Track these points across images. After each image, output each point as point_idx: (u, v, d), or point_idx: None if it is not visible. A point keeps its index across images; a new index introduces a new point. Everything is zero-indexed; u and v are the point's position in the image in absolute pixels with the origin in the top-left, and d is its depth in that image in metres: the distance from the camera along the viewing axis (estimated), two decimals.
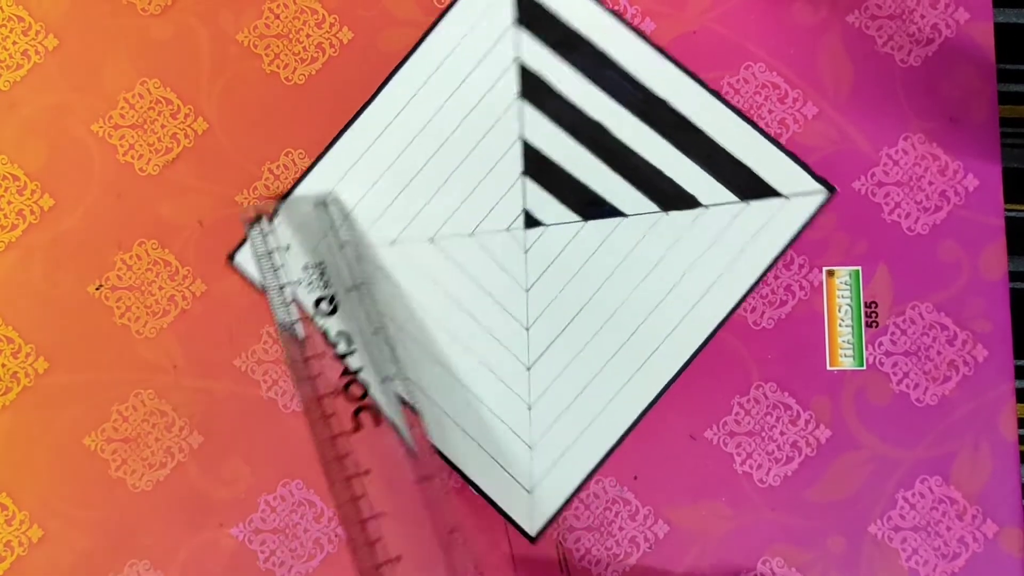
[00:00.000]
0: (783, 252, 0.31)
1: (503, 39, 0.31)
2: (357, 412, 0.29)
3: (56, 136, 0.31)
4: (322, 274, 0.30)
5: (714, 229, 0.31)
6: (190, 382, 0.30)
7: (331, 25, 0.32)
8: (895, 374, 0.30)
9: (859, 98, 0.31)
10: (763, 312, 0.30)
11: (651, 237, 0.31)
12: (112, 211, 0.31)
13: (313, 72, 0.32)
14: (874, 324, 0.30)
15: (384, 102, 0.31)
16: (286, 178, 0.31)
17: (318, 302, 0.30)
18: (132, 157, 0.31)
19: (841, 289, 0.31)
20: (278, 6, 0.32)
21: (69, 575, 0.29)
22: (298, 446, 0.30)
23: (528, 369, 0.30)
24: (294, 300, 0.29)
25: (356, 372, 0.29)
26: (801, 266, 0.31)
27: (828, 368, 0.30)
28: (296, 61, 0.32)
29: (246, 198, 0.31)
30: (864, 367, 0.30)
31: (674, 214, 0.31)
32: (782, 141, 0.31)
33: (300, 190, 0.31)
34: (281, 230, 0.30)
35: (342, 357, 0.29)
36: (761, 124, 0.31)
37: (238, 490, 0.30)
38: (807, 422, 0.30)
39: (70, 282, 0.31)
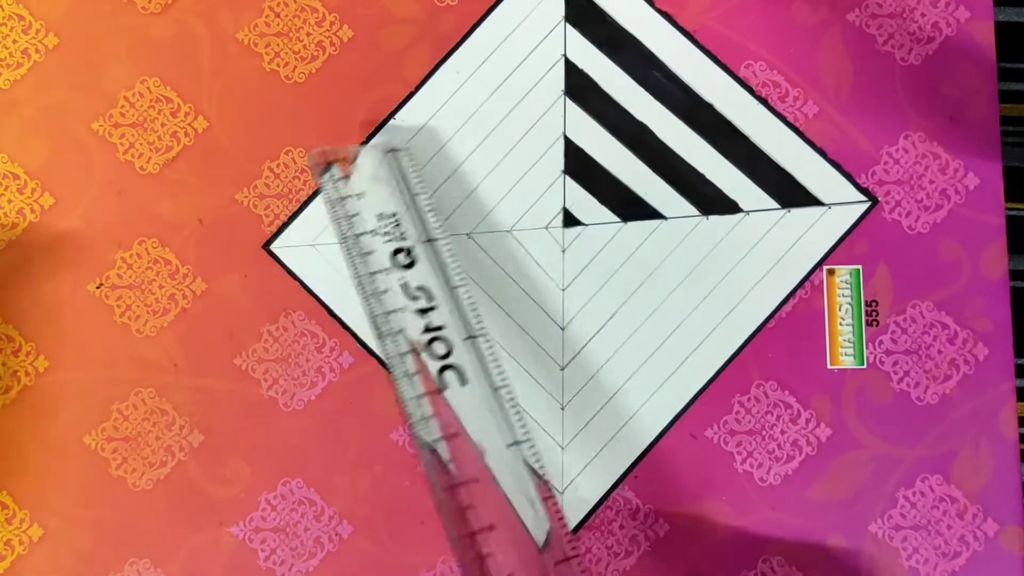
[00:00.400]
0: (822, 260, 0.31)
1: (552, 35, 0.31)
2: (442, 371, 0.28)
3: (56, 135, 0.31)
4: (398, 224, 0.29)
5: (754, 235, 0.31)
6: (190, 381, 0.30)
7: (331, 23, 0.32)
8: (896, 373, 0.30)
9: (859, 97, 0.31)
10: None
11: (690, 241, 0.31)
12: (112, 210, 0.31)
13: (313, 70, 0.31)
14: (875, 323, 0.30)
15: (427, 95, 0.31)
16: (286, 176, 0.31)
17: (395, 253, 0.28)
18: (132, 156, 0.31)
19: (841, 288, 0.30)
20: (278, 5, 0.32)
21: (69, 574, 0.29)
22: (298, 445, 0.30)
23: (562, 369, 0.30)
24: (370, 251, 0.28)
25: (439, 329, 0.28)
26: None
27: (828, 367, 0.30)
28: (296, 60, 0.32)
29: (246, 196, 0.31)
30: (864, 366, 0.30)
31: (714, 218, 0.31)
32: None
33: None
34: (354, 178, 0.29)
35: (423, 312, 0.28)
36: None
37: (238, 489, 0.30)
38: (808, 421, 0.30)
39: (70, 281, 0.31)
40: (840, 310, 0.30)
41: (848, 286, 0.30)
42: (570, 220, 0.31)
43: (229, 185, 0.31)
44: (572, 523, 0.30)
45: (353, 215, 0.29)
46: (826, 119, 0.31)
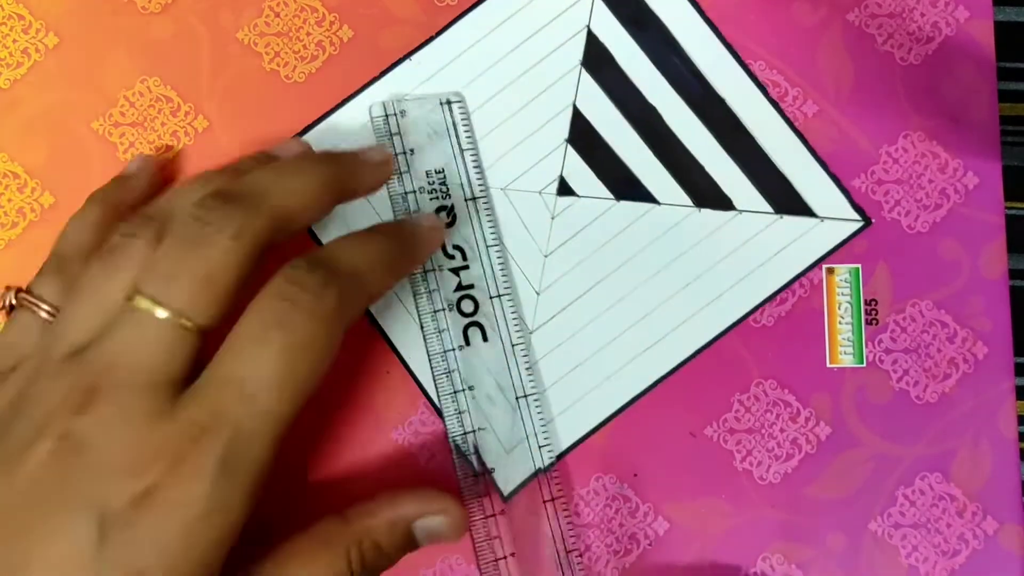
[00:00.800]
0: (805, 272, 0.31)
1: (578, 4, 0.31)
2: (467, 328, 0.30)
3: (56, 134, 0.31)
4: (443, 181, 0.30)
5: (743, 235, 0.31)
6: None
7: (331, 23, 0.32)
8: (895, 372, 0.30)
9: (859, 96, 0.31)
10: (763, 310, 0.31)
11: (679, 230, 0.31)
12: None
13: (313, 70, 0.32)
14: (874, 322, 0.30)
15: (445, 43, 0.31)
16: None
17: (438, 211, 0.30)
18: (132, 155, 0.31)
19: (841, 287, 0.31)
20: (278, 4, 0.32)
21: None
22: (299, 444, 0.30)
23: (531, 333, 0.30)
24: (416, 209, 0.30)
25: (469, 288, 0.30)
26: None
27: (828, 365, 0.30)
28: (296, 59, 0.32)
29: None
30: (864, 364, 0.30)
31: (706, 212, 0.31)
32: None
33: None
34: (409, 133, 0.30)
35: (456, 271, 0.30)
36: None
37: None
38: (807, 419, 0.30)
39: None
40: (839, 309, 0.30)
41: (847, 285, 0.31)
42: (565, 189, 0.31)
43: None
44: (514, 484, 0.30)
45: (404, 172, 0.30)
46: (825, 119, 0.31)
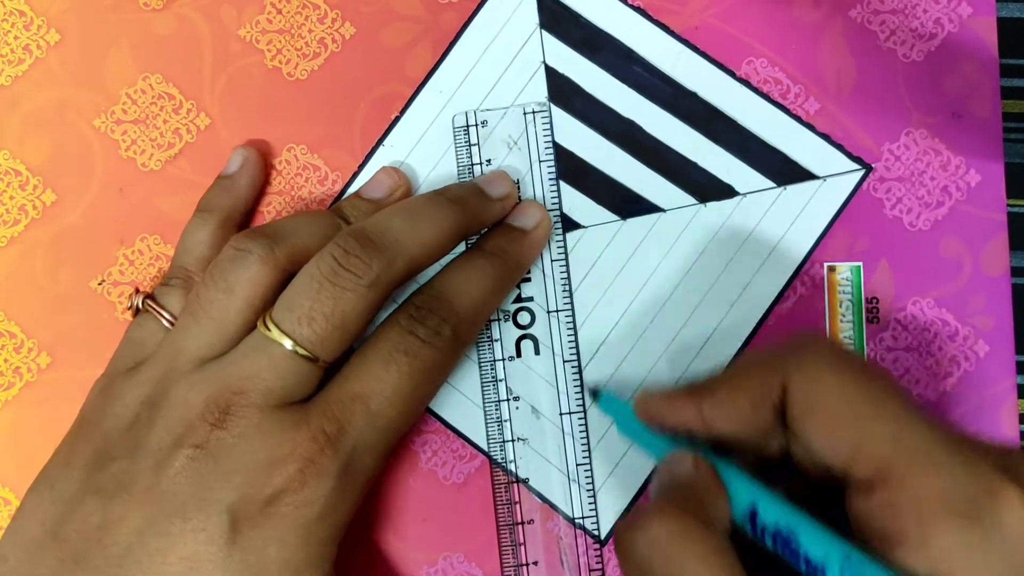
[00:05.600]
0: (824, 233, 0.31)
1: (529, 43, 0.31)
2: (520, 340, 0.30)
3: (58, 131, 0.31)
4: (518, 192, 0.30)
5: (753, 216, 0.31)
6: None
7: (333, 20, 0.32)
8: (896, 370, 0.30)
9: (861, 93, 0.31)
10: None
11: (691, 230, 0.31)
12: (114, 206, 0.31)
13: (315, 67, 0.31)
14: (875, 320, 0.30)
15: (413, 116, 0.31)
16: (288, 174, 0.31)
17: None
18: (134, 152, 0.31)
19: (842, 285, 0.31)
20: (280, 1, 0.32)
21: None
22: None
23: (583, 369, 0.30)
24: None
25: (529, 300, 0.30)
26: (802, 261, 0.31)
27: None
28: (298, 56, 0.32)
29: None
30: None
31: (712, 205, 0.31)
32: None
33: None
34: (487, 143, 0.30)
35: (518, 283, 0.30)
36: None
37: None
38: None
39: (72, 277, 0.31)
40: (841, 307, 0.30)
41: (849, 283, 0.30)
42: (570, 224, 0.31)
43: None
44: (603, 528, 0.30)
45: None
46: (827, 116, 0.31)
